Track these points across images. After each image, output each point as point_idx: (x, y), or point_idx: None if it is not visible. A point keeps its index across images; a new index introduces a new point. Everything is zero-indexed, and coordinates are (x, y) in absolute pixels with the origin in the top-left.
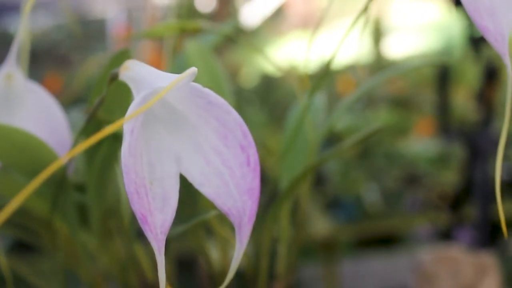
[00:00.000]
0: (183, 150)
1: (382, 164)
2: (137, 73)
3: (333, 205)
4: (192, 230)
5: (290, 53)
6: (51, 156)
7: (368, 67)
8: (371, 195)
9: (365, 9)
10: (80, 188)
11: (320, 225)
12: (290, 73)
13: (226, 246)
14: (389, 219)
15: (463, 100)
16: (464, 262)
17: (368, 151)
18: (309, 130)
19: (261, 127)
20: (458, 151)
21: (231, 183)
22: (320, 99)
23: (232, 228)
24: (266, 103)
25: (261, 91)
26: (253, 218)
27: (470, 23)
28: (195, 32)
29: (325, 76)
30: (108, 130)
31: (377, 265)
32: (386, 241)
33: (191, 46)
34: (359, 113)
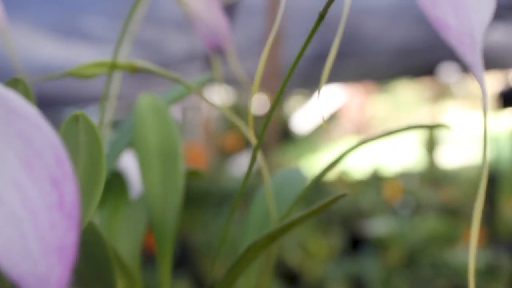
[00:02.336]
0: None
1: (428, 273)
2: None
3: None
4: None
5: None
6: None
7: (420, 176)
8: None
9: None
10: None
11: None
12: (340, 178)
13: None
14: None
15: None
16: None
17: (413, 259)
18: (270, 202)
19: (303, 229)
20: (507, 263)
21: (32, 235)
22: (299, 173)
23: None
24: (312, 205)
25: (310, 194)
26: None
27: None
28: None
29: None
30: None
31: None
32: None
33: (143, 100)
34: (406, 219)
